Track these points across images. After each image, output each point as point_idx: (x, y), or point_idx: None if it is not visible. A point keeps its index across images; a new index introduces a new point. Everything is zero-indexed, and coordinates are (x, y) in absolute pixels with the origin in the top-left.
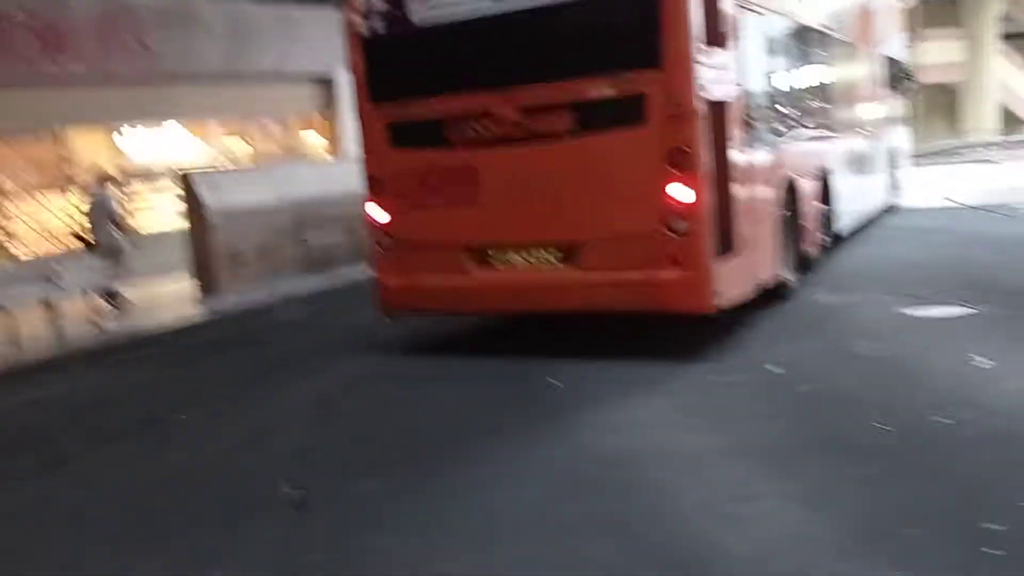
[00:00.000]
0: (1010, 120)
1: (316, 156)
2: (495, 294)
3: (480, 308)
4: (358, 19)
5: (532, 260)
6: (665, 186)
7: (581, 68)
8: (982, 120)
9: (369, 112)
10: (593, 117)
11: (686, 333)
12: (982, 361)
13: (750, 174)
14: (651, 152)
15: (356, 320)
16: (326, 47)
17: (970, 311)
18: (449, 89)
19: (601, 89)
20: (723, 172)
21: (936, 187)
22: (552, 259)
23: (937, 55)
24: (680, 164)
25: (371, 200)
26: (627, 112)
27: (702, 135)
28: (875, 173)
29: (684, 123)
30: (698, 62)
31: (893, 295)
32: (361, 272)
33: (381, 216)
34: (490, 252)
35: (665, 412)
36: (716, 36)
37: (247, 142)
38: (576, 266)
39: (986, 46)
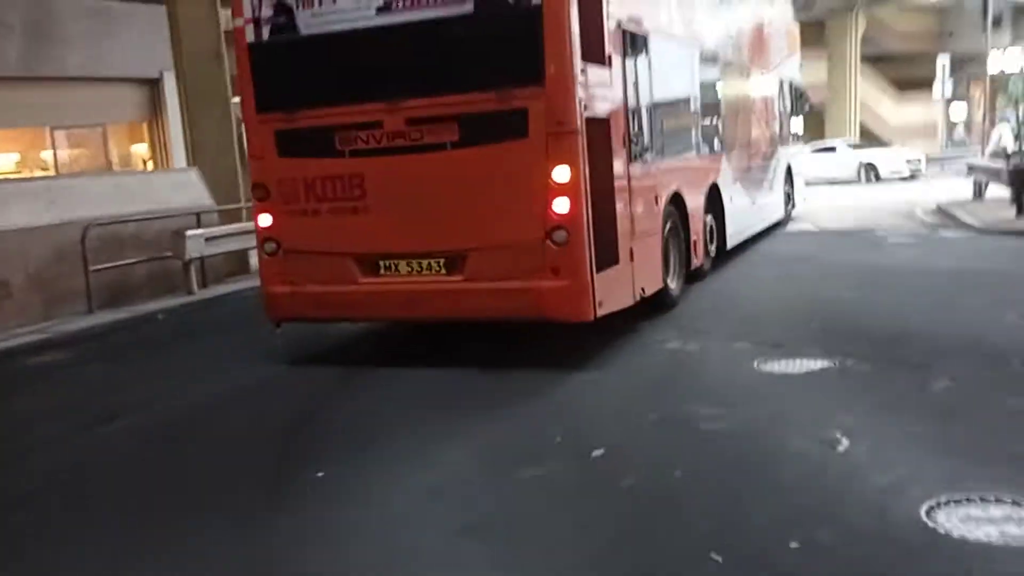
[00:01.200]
0: (872, 140)
1: (137, 166)
2: (382, 302)
3: (366, 315)
4: (245, 27)
5: (418, 268)
6: (546, 198)
7: (466, 82)
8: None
9: (255, 120)
10: (478, 130)
11: (502, 399)
12: (842, 441)
13: (632, 188)
14: (532, 165)
15: (112, 373)
16: (150, 45)
17: (831, 364)
18: (337, 99)
19: (485, 103)
20: (605, 185)
21: (809, 206)
22: (437, 268)
23: (805, 75)
24: (559, 178)
25: (257, 206)
26: (510, 126)
27: (582, 150)
28: (769, 189)
29: (564, 138)
30: (578, 79)
31: (750, 341)
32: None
33: (267, 222)
34: (377, 260)
35: (440, 532)
36: (598, 54)
37: (55, 150)
38: (460, 275)
39: (849, 67)
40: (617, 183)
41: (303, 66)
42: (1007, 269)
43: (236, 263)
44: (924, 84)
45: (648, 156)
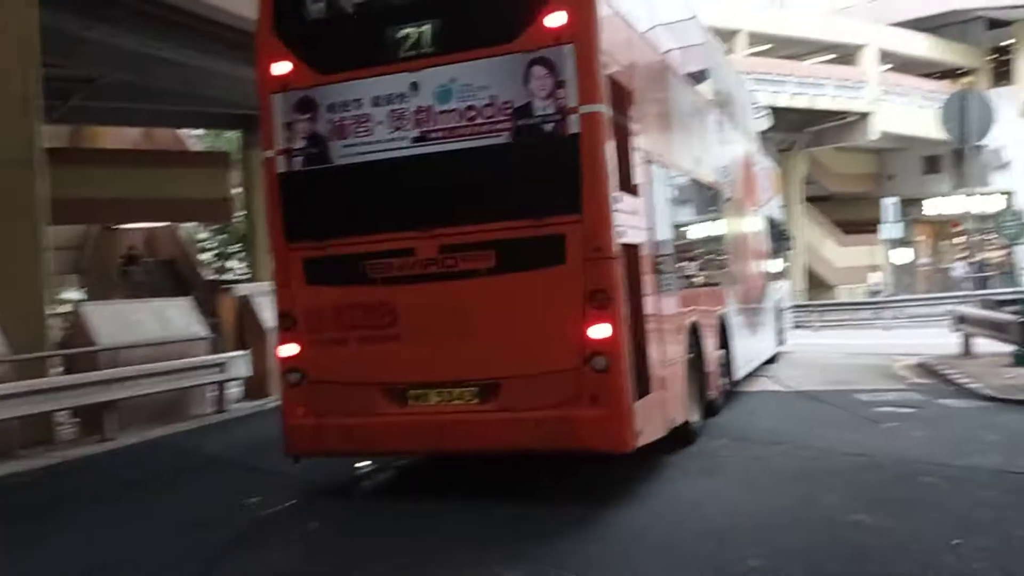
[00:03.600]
0: (814, 283)
1: None
2: (411, 434)
3: (395, 448)
4: (277, 157)
5: (448, 398)
6: (584, 325)
7: (502, 209)
8: (792, 283)
9: (284, 248)
10: (513, 257)
11: None
12: None
13: (661, 316)
14: (570, 292)
15: None
16: None
17: None
18: (370, 228)
19: (521, 230)
20: (637, 313)
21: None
22: (469, 397)
23: None
24: (599, 304)
25: (282, 336)
26: (547, 253)
27: (619, 276)
28: (764, 323)
29: (602, 265)
30: (614, 207)
31: None
32: None
33: (292, 351)
34: (407, 390)
35: None
36: (628, 183)
37: None
38: (494, 405)
39: (793, 208)
40: (648, 311)
41: (335, 195)
42: None
43: (38, 430)
44: (867, 226)
45: (672, 285)
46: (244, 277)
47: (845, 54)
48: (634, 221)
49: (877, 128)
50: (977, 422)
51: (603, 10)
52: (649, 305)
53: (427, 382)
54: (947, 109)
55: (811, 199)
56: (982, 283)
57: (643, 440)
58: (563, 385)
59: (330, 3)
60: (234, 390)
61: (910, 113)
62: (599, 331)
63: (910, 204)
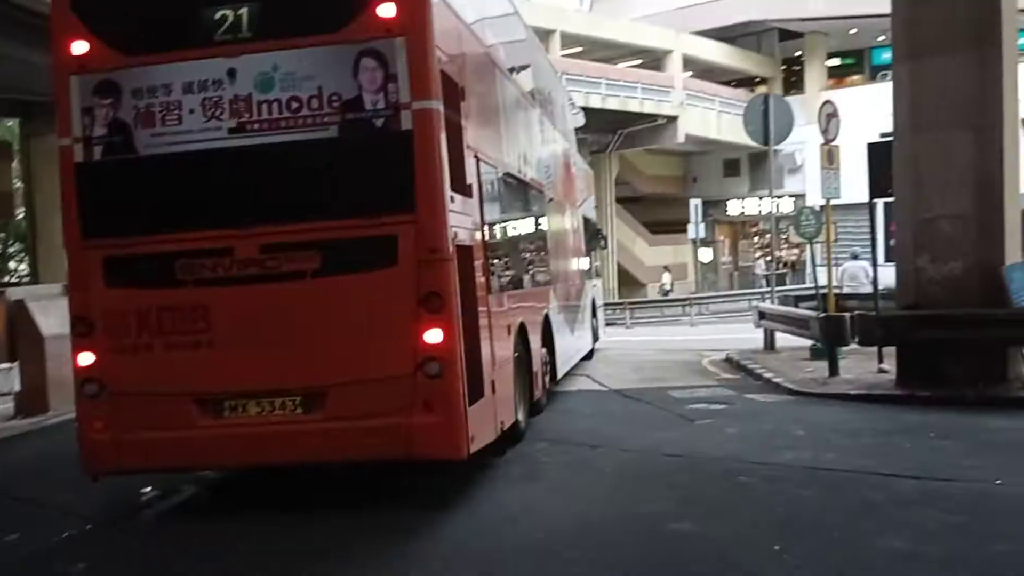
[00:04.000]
0: (626, 280)
1: None
2: (228, 447)
3: (210, 463)
4: (73, 146)
5: (270, 408)
6: (418, 329)
7: (330, 208)
8: (605, 281)
9: (80, 246)
10: (342, 258)
11: None
12: None
13: (491, 317)
14: (402, 295)
15: None
16: None
17: None
18: (180, 225)
19: (351, 230)
20: (469, 315)
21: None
22: (292, 407)
23: None
24: (433, 307)
25: (77, 343)
26: (378, 254)
27: (454, 279)
28: (582, 322)
29: (437, 266)
30: (449, 207)
31: None
32: None
33: (88, 361)
34: (222, 401)
35: None
36: (462, 183)
37: None
38: (321, 414)
39: (606, 208)
40: (480, 314)
41: (141, 188)
42: (888, 464)
43: None
44: (674, 226)
45: (501, 286)
46: (25, 279)
47: (653, 59)
48: (467, 221)
49: (683, 131)
50: (783, 416)
51: (434, 1)
52: (480, 307)
53: (246, 391)
54: (750, 111)
55: (621, 200)
56: (779, 280)
57: (476, 446)
58: (395, 392)
59: None
60: (2, 406)
61: (711, 118)
62: (433, 336)
63: (713, 205)
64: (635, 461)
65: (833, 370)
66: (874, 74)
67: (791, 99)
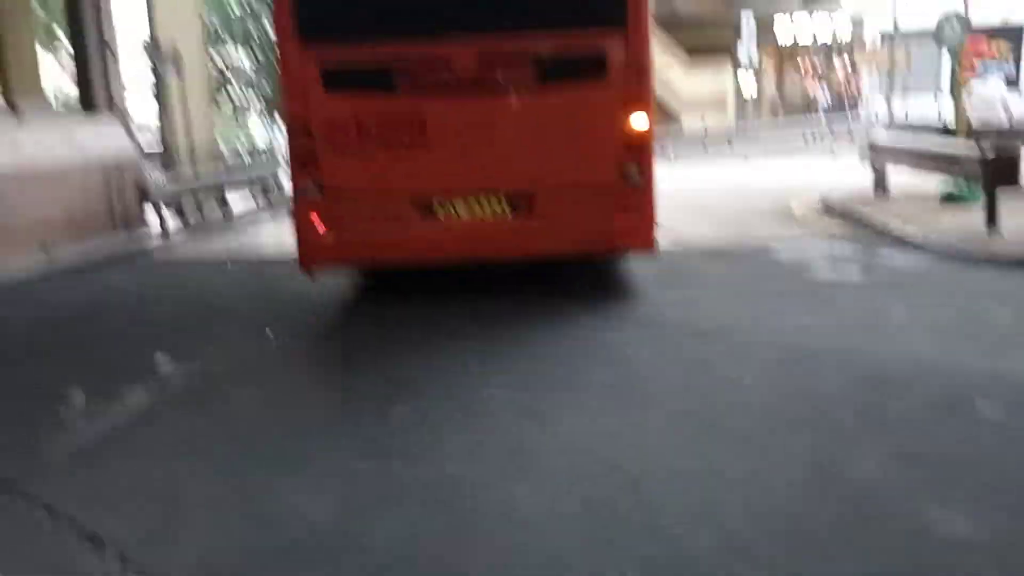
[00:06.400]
0: (660, 116)
1: None
2: (440, 244)
3: (422, 259)
4: None
5: (481, 210)
6: (623, 139)
7: (542, 19)
8: None
9: (296, 50)
10: (553, 70)
11: None
12: None
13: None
14: (610, 106)
15: None
16: None
17: None
18: (399, 32)
19: (563, 42)
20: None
21: None
22: (501, 208)
23: None
24: (638, 119)
25: (296, 145)
26: (589, 67)
27: (653, 94)
28: None
29: (642, 81)
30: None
31: None
32: None
33: (307, 163)
34: (436, 202)
35: None
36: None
37: None
38: (528, 215)
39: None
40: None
41: None
42: None
43: None
44: (714, 51)
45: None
46: None
47: None
48: (648, 47)
49: None
50: (959, 288)
51: None
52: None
53: (458, 193)
54: None
55: (660, 21)
56: (841, 108)
57: (656, 247)
58: (599, 194)
59: None
60: None
61: None
62: (636, 145)
63: (760, 27)
64: (780, 365)
65: (992, 221)
66: None
67: None
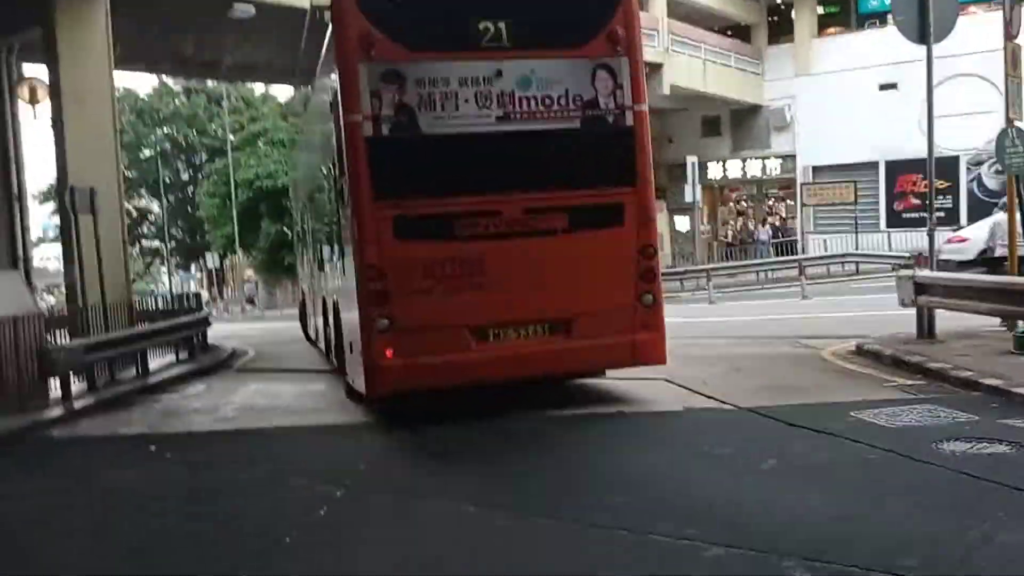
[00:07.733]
0: None
1: None
2: (492, 366)
3: (476, 379)
4: (363, 122)
5: (528, 334)
6: (638, 272)
7: (574, 181)
8: None
9: (371, 207)
10: (583, 219)
11: None
12: None
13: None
14: (626, 246)
15: None
16: None
17: None
18: (458, 190)
19: (590, 198)
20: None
21: None
22: (544, 332)
23: None
24: (648, 256)
25: (370, 287)
26: (609, 216)
27: (658, 235)
28: None
29: (651, 226)
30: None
31: None
32: None
33: (381, 300)
34: (490, 329)
35: None
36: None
37: None
38: (566, 337)
39: None
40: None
41: (425, 160)
42: None
43: None
44: None
45: None
46: None
47: None
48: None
49: (667, 82)
50: None
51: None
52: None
53: (508, 321)
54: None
55: None
56: (783, 248)
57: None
58: (622, 318)
59: None
60: None
61: (696, 67)
62: (649, 276)
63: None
64: None
65: None
66: (861, 23)
67: (778, 48)
